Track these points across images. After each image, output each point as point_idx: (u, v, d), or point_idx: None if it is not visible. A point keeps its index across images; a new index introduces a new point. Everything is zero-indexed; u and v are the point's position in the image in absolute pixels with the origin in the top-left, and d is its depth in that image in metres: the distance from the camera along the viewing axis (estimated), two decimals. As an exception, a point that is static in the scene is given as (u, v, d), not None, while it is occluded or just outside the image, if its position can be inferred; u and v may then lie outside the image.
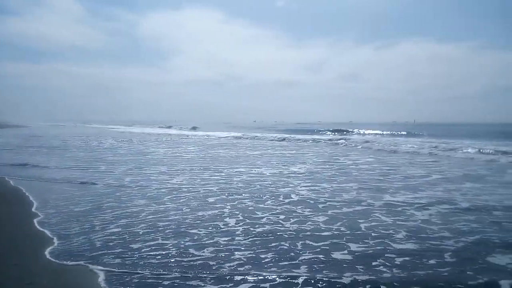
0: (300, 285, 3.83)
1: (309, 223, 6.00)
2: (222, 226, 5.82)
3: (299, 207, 7.05)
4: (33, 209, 6.91)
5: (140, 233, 5.48)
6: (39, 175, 10.89)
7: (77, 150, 19.74)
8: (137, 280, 3.94)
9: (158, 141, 28.94)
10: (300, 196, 8.00)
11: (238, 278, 3.98)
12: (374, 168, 12.76)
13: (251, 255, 4.63)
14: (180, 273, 4.09)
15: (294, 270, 4.17)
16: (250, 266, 4.28)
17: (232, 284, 3.86)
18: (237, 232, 5.51)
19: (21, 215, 6.59)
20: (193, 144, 25.59)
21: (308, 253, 4.68)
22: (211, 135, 38.54)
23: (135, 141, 28.42)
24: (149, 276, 4.03)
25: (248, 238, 5.24)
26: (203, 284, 3.85)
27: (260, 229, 5.65)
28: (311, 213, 6.62)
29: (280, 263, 4.37)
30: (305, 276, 4.01)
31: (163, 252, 4.69)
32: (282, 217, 6.35)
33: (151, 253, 4.67)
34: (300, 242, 5.07)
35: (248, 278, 3.98)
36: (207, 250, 4.78)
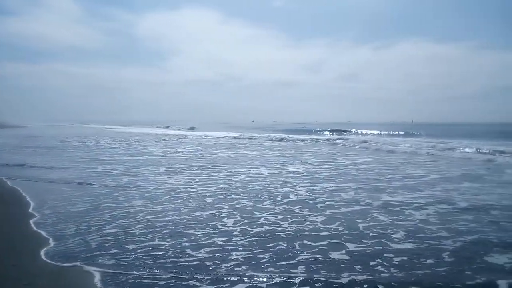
0: (297, 285, 3.80)
1: (307, 223, 5.98)
2: (220, 227, 5.79)
3: (298, 207, 7.04)
4: (30, 210, 6.87)
5: (137, 233, 5.44)
6: (37, 176, 10.84)
7: (75, 150, 19.68)
8: (132, 281, 3.91)
9: (156, 141, 28.88)
10: (299, 196, 7.98)
11: (234, 278, 3.95)
12: (372, 168, 12.76)
13: (248, 255, 4.60)
14: (176, 273, 4.07)
15: (291, 270, 4.15)
16: (247, 266, 4.26)
17: (228, 285, 3.83)
18: (234, 233, 5.49)
19: (18, 216, 6.55)
20: (191, 144, 25.56)
21: (306, 253, 4.66)
22: (209, 135, 38.50)
23: (133, 141, 28.37)
24: (145, 276, 4.00)
25: (246, 239, 5.22)
26: (199, 284, 3.83)
27: (258, 229, 5.63)
28: (309, 213, 6.61)
29: (277, 263, 4.34)
30: (303, 276, 3.99)
31: (160, 253, 4.66)
32: (280, 217, 6.33)
33: (147, 253, 4.64)
34: (298, 242, 5.05)
35: (245, 278, 3.95)
36: (204, 250, 4.76)
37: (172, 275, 4.03)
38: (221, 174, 11.18)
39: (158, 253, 4.64)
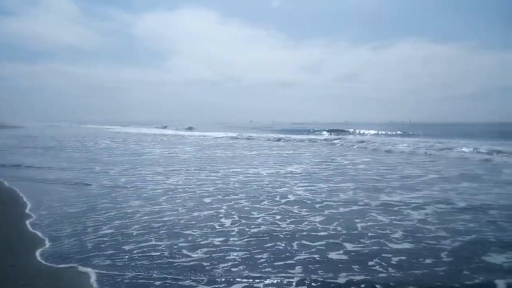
0: (294, 286, 3.79)
1: (306, 223, 5.97)
2: (218, 227, 5.77)
3: (296, 207, 7.02)
4: (26, 211, 6.83)
5: (134, 234, 5.41)
6: (34, 176, 10.79)
7: (72, 150, 19.61)
8: (128, 281, 3.88)
9: (154, 142, 28.82)
10: (297, 196, 7.96)
11: (231, 278, 3.93)
12: (371, 168, 12.76)
13: (245, 255, 4.58)
14: (173, 274, 4.04)
15: (289, 271, 4.13)
16: (244, 267, 4.23)
17: (225, 285, 3.81)
18: (232, 233, 5.46)
19: (15, 216, 6.50)
20: (189, 145, 25.51)
21: (304, 253, 4.64)
22: (206, 135, 38.46)
23: (131, 142, 28.30)
24: (140, 277, 3.97)
25: (243, 239, 5.19)
26: (195, 285, 3.80)
27: (255, 230, 5.60)
28: (307, 213, 6.59)
29: (275, 264, 4.32)
30: (300, 276, 3.97)
31: (156, 253, 4.63)
32: (278, 217, 6.31)
33: (143, 254, 4.60)
34: (296, 242, 5.03)
35: (241, 278, 3.93)
36: (200, 251, 4.73)
37: (168, 275, 4.00)
38: (219, 174, 11.15)
39: (154, 254, 4.61)
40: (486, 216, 6.36)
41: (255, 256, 4.56)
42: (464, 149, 17.80)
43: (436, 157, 16.31)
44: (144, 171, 11.75)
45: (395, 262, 4.35)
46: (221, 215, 6.43)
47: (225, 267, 4.24)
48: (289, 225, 5.83)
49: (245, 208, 6.94)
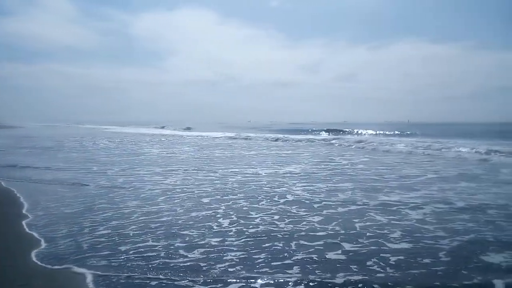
0: (291, 286, 3.77)
1: (304, 223, 5.95)
2: (215, 227, 5.74)
3: (294, 207, 7.00)
4: (23, 211, 6.79)
5: (131, 234, 5.37)
6: (31, 176, 10.73)
7: (70, 150, 19.54)
8: (124, 281, 3.86)
9: (152, 142, 28.76)
10: (295, 196, 7.94)
11: (228, 279, 3.90)
12: (369, 167, 12.75)
13: (243, 256, 4.55)
14: (169, 274, 4.01)
15: (286, 271, 4.10)
16: (242, 267, 4.21)
17: (221, 285, 3.78)
18: (230, 233, 5.44)
19: (12, 217, 6.46)
20: (187, 145, 25.46)
21: (302, 253, 4.62)
22: (204, 135, 38.41)
23: (129, 142, 28.23)
24: (136, 278, 3.93)
25: (241, 239, 5.17)
26: (192, 285, 3.78)
27: (253, 230, 5.58)
28: (306, 213, 6.57)
29: (272, 264, 4.29)
30: (297, 276, 3.95)
31: (153, 254, 4.59)
32: (276, 217, 6.29)
33: (140, 255, 4.57)
34: (294, 243, 5.01)
35: (238, 279, 3.90)
36: (197, 251, 4.69)
37: (165, 276, 3.97)
38: (217, 174, 11.12)
39: (151, 254, 4.58)
40: (484, 215, 6.35)
41: (253, 256, 4.53)
42: (462, 149, 17.81)
43: (434, 157, 16.32)
44: (142, 171, 11.71)
45: (393, 262, 4.33)
46: (219, 215, 6.40)
47: (222, 267, 4.21)
48: (287, 225, 5.81)
49: (243, 208, 6.92)
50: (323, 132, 48.49)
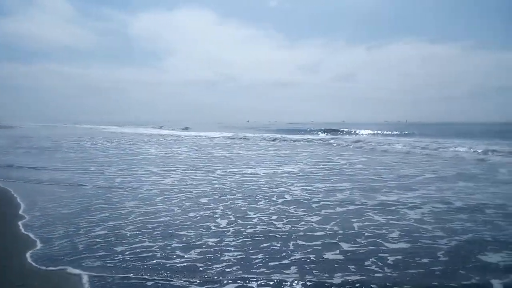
0: (289, 286, 3.75)
1: (302, 223, 5.93)
2: (213, 227, 5.71)
3: (292, 207, 6.98)
4: (20, 211, 6.75)
5: (127, 235, 5.33)
6: (28, 177, 10.68)
7: (68, 151, 19.45)
8: (119, 281, 3.83)
9: (149, 142, 28.70)
10: (294, 196, 7.92)
11: (224, 279, 3.87)
12: (367, 167, 12.75)
13: (240, 256, 4.53)
14: (165, 275, 3.98)
15: (283, 271, 4.08)
16: (239, 267, 4.18)
17: (218, 285, 3.76)
18: (227, 233, 5.41)
19: (8, 217, 6.41)
20: (185, 145, 25.42)
21: (300, 253, 4.60)
22: (202, 135, 38.34)
23: (127, 142, 28.15)
24: (132, 278, 3.90)
25: (239, 239, 5.14)
26: (187, 285, 3.76)
27: (251, 230, 5.55)
28: (304, 213, 6.55)
29: (270, 264, 4.27)
30: (295, 276, 3.93)
31: (149, 254, 4.56)
32: (274, 217, 6.26)
33: (136, 255, 4.53)
34: (292, 243, 4.99)
35: (235, 279, 3.87)
36: (194, 251, 4.66)
37: (161, 276, 3.94)
38: (215, 174, 11.09)
39: (147, 255, 4.54)
40: (482, 215, 6.35)
41: (250, 256, 4.51)
42: (460, 148, 17.86)
43: (432, 157, 16.34)
44: (140, 171, 11.67)
45: (391, 262, 4.32)
46: (217, 216, 6.38)
47: (219, 267, 4.18)
48: (286, 225, 5.79)
49: (242, 208, 6.89)
50: (321, 133, 48.45)
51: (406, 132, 43.76)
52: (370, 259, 4.40)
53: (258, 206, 7.07)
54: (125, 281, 3.84)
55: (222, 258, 4.46)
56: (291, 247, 4.81)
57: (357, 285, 3.76)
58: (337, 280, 3.86)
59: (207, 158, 16.05)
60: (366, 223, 5.88)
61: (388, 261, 4.34)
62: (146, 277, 3.94)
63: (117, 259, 4.41)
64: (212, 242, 5.03)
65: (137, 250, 4.72)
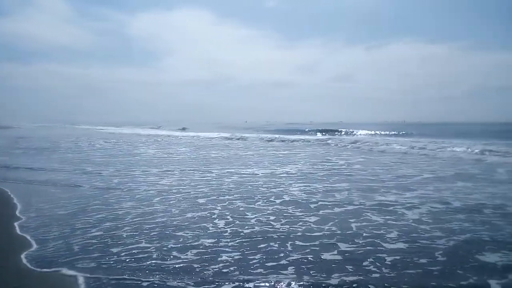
0: (285, 287, 3.73)
1: (300, 223, 5.91)
2: (211, 228, 5.68)
3: (291, 207, 6.96)
4: (17, 212, 6.70)
5: (124, 236, 5.30)
6: (25, 177, 10.62)
7: (65, 151, 19.39)
8: (115, 282, 3.80)
9: (147, 142, 28.64)
10: (292, 197, 7.90)
11: (221, 280, 3.85)
12: (366, 168, 12.75)
13: (238, 256, 4.50)
14: (161, 276, 3.95)
15: (281, 271, 4.06)
16: (235, 268, 4.16)
17: (214, 286, 3.74)
18: (225, 234, 5.38)
19: (4, 218, 6.36)
20: (183, 145, 25.37)
21: (297, 254, 4.57)
22: (200, 136, 38.29)
23: (124, 142, 28.08)
24: (128, 280, 3.87)
25: (236, 240, 5.11)
26: (183, 285, 3.73)
27: (249, 230, 5.53)
28: (302, 213, 6.53)
29: (267, 264, 4.25)
30: (292, 277, 3.91)
31: (145, 255, 4.52)
32: (272, 218, 6.24)
33: (132, 257, 4.49)
34: (290, 243, 4.97)
35: (231, 280, 3.85)
36: (191, 252, 4.63)
37: (156, 278, 3.91)
38: (213, 175, 11.06)
39: (143, 256, 4.50)
40: (480, 215, 6.34)
41: (248, 257, 4.48)
42: (458, 148, 17.87)
43: (430, 157, 16.35)
44: (138, 172, 11.62)
45: (389, 262, 4.30)
46: (214, 216, 6.35)
47: (216, 268, 4.16)
48: (283, 226, 5.77)
49: (240, 209, 6.87)
50: (319, 133, 48.42)
51: (404, 132, 43.81)
52: (368, 260, 4.38)
53: (256, 207, 7.05)
54: (120, 282, 3.81)
55: (219, 259, 4.43)
56: (289, 248, 4.79)
57: (354, 285, 3.74)
58: (334, 280, 3.84)
59: (205, 159, 16.01)
60: (364, 224, 5.86)
61: (386, 262, 4.32)
62: (142, 278, 3.91)
63: (113, 260, 4.38)
64: (209, 243, 5.00)
65: (133, 251, 4.69)
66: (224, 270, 4.10)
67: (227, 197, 7.91)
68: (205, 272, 4.06)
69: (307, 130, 54.25)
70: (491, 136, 29.55)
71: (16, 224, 5.95)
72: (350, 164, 13.89)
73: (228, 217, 6.30)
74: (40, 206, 7.13)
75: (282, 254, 4.56)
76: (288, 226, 5.74)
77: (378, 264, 4.26)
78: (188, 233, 5.41)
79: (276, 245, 4.89)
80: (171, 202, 7.47)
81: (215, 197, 7.87)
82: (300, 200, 7.55)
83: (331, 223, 5.90)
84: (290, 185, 9.26)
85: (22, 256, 4.55)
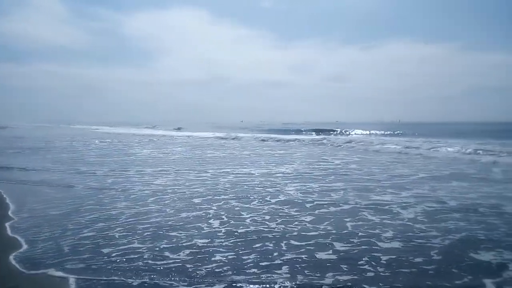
0: (278, 286, 3.69)
1: (296, 223, 5.87)
2: (205, 228, 5.63)
3: (286, 207, 6.93)
4: (9, 213, 6.61)
5: (116, 236, 5.23)
6: (19, 177, 10.50)
7: (60, 151, 19.24)
8: (105, 284, 3.75)
9: (142, 142, 28.50)
10: (288, 196, 7.87)
11: (213, 280, 3.80)
12: (361, 167, 12.75)
13: (232, 256, 4.46)
14: (151, 277, 3.89)
15: (275, 271, 4.02)
16: (229, 267, 4.12)
17: (206, 286, 3.69)
18: (219, 234, 5.33)
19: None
20: (179, 145, 25.27)
21: (292, 253, 4.54)
22: (195, 136, 38.19)
23: (119, 142, 27.92)
24: (117, 281, 3.81)
25: (231, 240, 5.07)
26: (174, 285, 3.69)
27: (244, 230, 5.48)
28: (298, 213, 6.50)
29: (261, 264, 4.21)
30: (286, 277, 3.87)
31: (136, 256, 4.46)
32: (267, 217, 6.20)
33: (123, 257, 4.43)
34: (285, 242, 4.93)
35: (224, 279, 3.81)
36: (183, 252, 4.58)
37: (147, 278, 3.85)
38: (209, 175, 11.01)
39: (134, 257, 4.44)
40: (475, 214, 6.35)
41: (242, 257, 4.44)
42: (453, 148, 17.93)
43: (425, 157, 16.39)
44: (132, 172, 11.53)
45: (384, 262, 4.28)
46: (209, 216, 6.30)
47: (208, 268, 4.11)
48: (279, 225, 5.73)
49: (235, 209, 6.82)
50: (314, 133, 48.42)
51: (399, 132, 43.95)
52: (363, 259, 4.35)
53: (252, 206, 7.01)
54: (110, 283, 3.75)
55: (212, 258, 4.38)
56: (284, 247, 4.75)
57: (348, 284, 3.71)
58: (328, 280, 3.80)
59: (200, 158, 15.95)
60: (360, 223, 5.84)
61: (381, 261, 4.30)
62: (132, 279, 3.85)
63: (103, 261, 4.31)
64: (203, 242, 4.95)
65: (125, 251, 4.62)
66: (217, 270, 4.06)
67: (222, 196, 7.86)
68: (197, 272, 4.00)
69: (303, 129, 54.27)
70: (486, 136, 29.72)
71: (7, 224, 5.85)
72: (345, 163, 13.89)
73: (223, 217, 6.25)
74: (33, 206, 7.05)
75: (276, 254, 4.52)
76: (283, 226, 5.70)
77: (373, 263, 4.24)
78: (181, 233, 5.35)
79: (271, 245, 4.85)
80: (166, 202, 7.41)
81: (210, 197, 7.82)
82: (295, 200, 7.52)
83: (327, 222, 5.87)
84: (286, 185, 9.23)
85: (11, 257, 4.47)
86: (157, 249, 4.71)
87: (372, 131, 45.49)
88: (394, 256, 4.43)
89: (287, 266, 4.15)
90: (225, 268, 4.10)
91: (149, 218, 6.19)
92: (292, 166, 13.18)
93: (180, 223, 5.87)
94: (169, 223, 5.89)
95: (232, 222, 5.94)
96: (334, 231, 5.41)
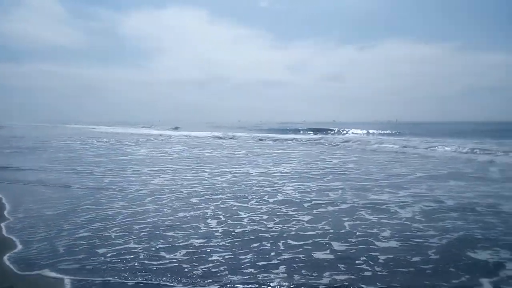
0: (275, 286, 3.67)
1: (293, 222, 5.86)
2: (202, 228, 5.60)
3: (284, 206, 6.91)
4: (5, 213, 6.55)
5: (112, 236, 5.19)
6: (15, 177, 10.43)
7: (56, 151, 19.15)
8: (100, 284, 3.72)
9: (139, 141, 28.43)
10: (286, 196, 7.86)
11: (210, 280, 3.78)
12: (359, 167, 12.75)
13: (229, 256, 4.43)
14: (147, 277, 3.86)
15: (272, 271, 3.99)
16: (225, 267, 4.09)
17: (201, 286, 3.67)
18: (216, 234, 5.30)
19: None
20: (176, 144, 25.22)
21: (289, 253, 4.52)
22: (193, 135, 38.12)
23: (116, 142, 27.84)
24: (112, 281, 3.78)
25: (228, 239, 5.04)
26: (170, 285, 3.67)
27: (241, 230, 5.46)
28: (295, 212, 6.48)
29: (258, 264, 4.19)
30: (283, 276, 3.85)
31: (132, 256, 4.43)
32: (265, 217, 6.18)
33: (118, 257, 4.39)
34: (282, 242, 4.91)
35: (220, 279, 3.78)
36: (180, 253, 4.54)
37: (142, 278, 3.82)
38: (207, 174, 10.98)
39: (129, 257, 4.40)
40: (473, 213, 6.35)
41: (239, 256, 4.41)
42: (450, 147, 17.99)
43: (422, 156, 16.42)
44: (129, 172, 11.49)
45: (382, 261, 4.27)
46: (207, 216, 6.27)
47: (205, 268, 4.08)
48: (276, 225, 5.71)
49: (233, 208, 6.80)
50: (311, 132, 48.47)
51: (396, 131, 44.05)
52: (361, 258, 4.34)
53: (249, 206, 6.99)
54: (104, 284, 3.72)
55: (209, 258, 4.36)
56: (281, 247, 4.74)
57: (346, 283, 3.70)
58: (326, 279, 3.79)
59: (198, 158, 15.91)
60: (358, 222, 5.83)
61: (378, 260, 4.29)
62: (127, 279, 3.82)
63: (98, 262, 4.28)
64: (200, 242, 4.92)
65: (121, 252, 4.58)
66: (214, 270, 4.03)
67: (220, 196, 7.84)
68: (193, 272, 3.97)
69: (300, 129, 54.30)
70: (483, 135, 29.84)
71: (2, 224, 5.80)
72: (343, 163, 13.89)
73: (221, 216, 6.23)
74: (29, 206, 6.99)
75: (273, 254, 4.50)
76: (281, 225, 5.68)
77: (370, 262, 4.22)
78: (178, 233, 5.32)
79: (268, 245, 4.83)
80: (163, 201, 7.38)
81: (208, 197, 7.79)
82: (293, 199, 7.50)
83: (324, 222, 5.86)
84: (284, 184, 9.21)
85: (5, 257, 4.42)
86: (153, 249, 4.68)
87: (369, 131, 45.56)
88: (391, 256, 4.42)
89: (285, 266, 4.13)
90: (221, 268, 4.08)
91: (146, 218, 6.16)
92: (289, 165, 13.17)
93: (177, 223, 5.83)
94: (166, 223, 5.86)
95: (230, 221, 5.91)
96: (331, 231, 5.40)
